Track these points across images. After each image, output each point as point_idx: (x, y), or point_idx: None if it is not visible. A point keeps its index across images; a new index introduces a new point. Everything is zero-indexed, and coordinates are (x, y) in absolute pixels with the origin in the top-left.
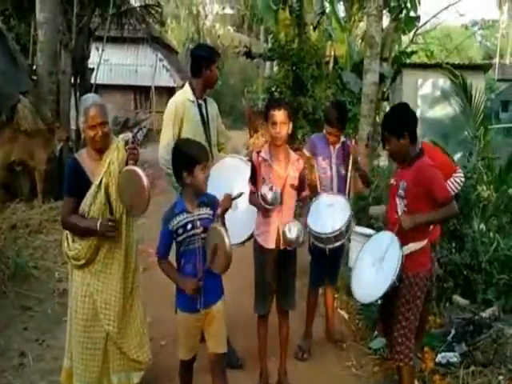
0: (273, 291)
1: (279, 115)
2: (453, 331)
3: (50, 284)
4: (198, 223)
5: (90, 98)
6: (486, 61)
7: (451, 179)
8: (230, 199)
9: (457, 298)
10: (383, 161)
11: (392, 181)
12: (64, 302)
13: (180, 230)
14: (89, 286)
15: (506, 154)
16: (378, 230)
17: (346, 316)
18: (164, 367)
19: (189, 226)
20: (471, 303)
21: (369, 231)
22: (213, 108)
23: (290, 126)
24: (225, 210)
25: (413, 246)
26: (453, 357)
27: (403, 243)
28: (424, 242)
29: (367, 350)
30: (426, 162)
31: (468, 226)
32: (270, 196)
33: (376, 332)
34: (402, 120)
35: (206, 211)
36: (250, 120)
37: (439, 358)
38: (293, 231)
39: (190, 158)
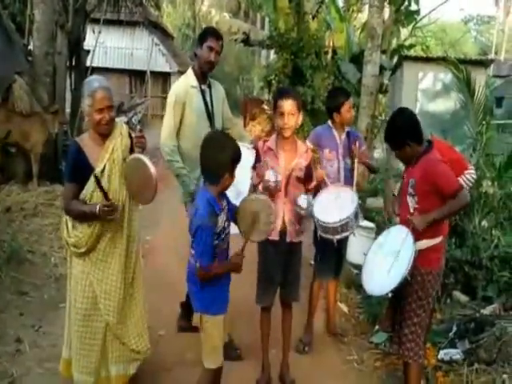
0: (277, 283)
1: (287, 105)
2: (454, 328)
3: (46, 269)
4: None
5: (96, 80)
6: (482, 56)
7: (462, 176)
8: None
9: (457, 295)
10: (379, 153)
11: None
12: (60, 287)
13: (220, 231)
14: (89, 274)
15: (501, 150)
16: (377, 223)
17: (345, 309)
18: (162, 358)
19: (226, 224)
20: (471, 300)
21: (370, 224)
22: (218, 93)
23: (300, 117)
24: None
25: (426, 243)
26: (456, 354)
27: (417, 238)
28: (438, 239)
29: (368, 345)
30: (432, 157)
31: (469, 221)
32: (272, 179)
33: (377, 326)
34: (397, 135)
35: (225, 204)
36: (245, 108)
37: (442, 354)
38: (303, 201)
39: (236, 159)
